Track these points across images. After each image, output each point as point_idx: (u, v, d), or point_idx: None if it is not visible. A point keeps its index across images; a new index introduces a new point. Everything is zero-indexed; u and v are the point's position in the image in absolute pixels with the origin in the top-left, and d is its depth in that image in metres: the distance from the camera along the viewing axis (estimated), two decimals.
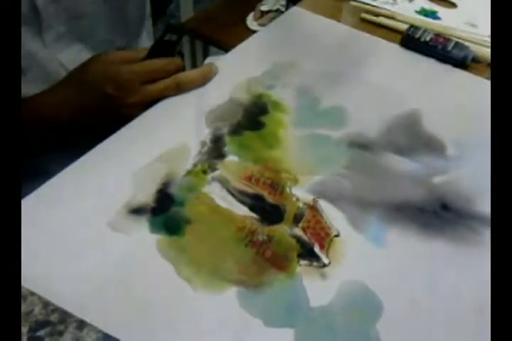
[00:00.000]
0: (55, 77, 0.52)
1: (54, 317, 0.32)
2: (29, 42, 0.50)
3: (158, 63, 0.49)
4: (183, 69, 0.51)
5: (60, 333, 0.31)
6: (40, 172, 0.51)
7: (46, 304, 0.33)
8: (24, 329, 0.31)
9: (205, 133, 0.47)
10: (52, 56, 0.53)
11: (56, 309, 0.32)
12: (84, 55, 0.52)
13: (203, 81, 0.52)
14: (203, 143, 0.46)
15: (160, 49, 0.51)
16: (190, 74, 0.51)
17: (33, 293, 0.33)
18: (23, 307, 0.32)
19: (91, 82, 0.48)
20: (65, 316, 0.32)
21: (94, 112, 0.49)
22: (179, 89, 0.50)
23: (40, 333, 0.31)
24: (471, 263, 0.39)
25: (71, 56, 0.54)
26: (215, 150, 0.45)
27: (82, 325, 0.32)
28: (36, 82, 0.52)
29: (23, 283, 0.34)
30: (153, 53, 0.50)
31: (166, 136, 0.46)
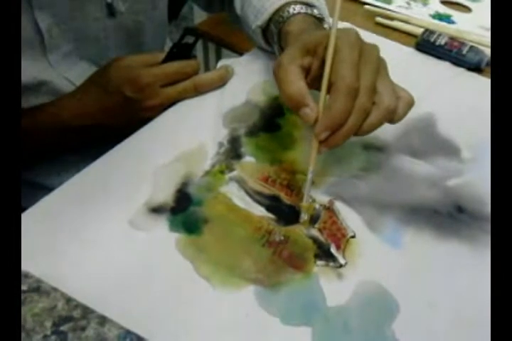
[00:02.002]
0: (65, 92, 0.53)
1: (76, 313, 0.33)
2: (34, 63, 0.51)
3: (177, 66, 0.50)
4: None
5: (83, 328, 0.32)
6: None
7: (69, 300, 0.33)
8: (48, 324, 0.32)
9: (223, 134, 0.48)
10: (58, 74, 0.54)
11: (78, 305, 0.33)
12: (93, 72, 0.52)
13: (221, 82, 0.53)
14: (221, 144, 0.47)
15: (178, 52, 0.51)
16: (207, 75, 0.52)
17: (55, 289, 0.34)
18: (47, 303, 0.33)
19: (111, 86, 0.49)
20: (87, 312, 0.33)
21: (114, 115, 0.50)
22: (197, 90, 0.51)
23: (64, 328, 0.32)
24: (485, 264, 0.39)
25: (79, 73, 0.55)
26: (232, 151, 0.46)
27: (103, 320, 0.33)
28: (48, 95, 0.53)
29: (46, 280, 0.34)
30: (171, 56, 0.51)
31: (184, 137, 0.47)
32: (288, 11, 0.50)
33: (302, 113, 0.39)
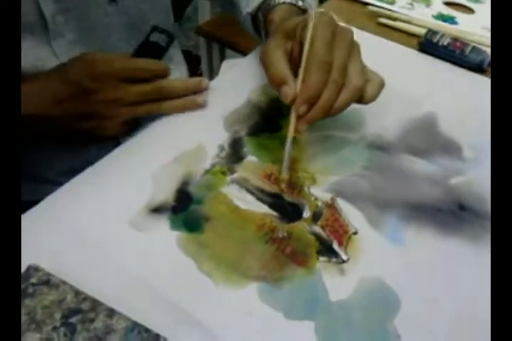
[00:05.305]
0: None
1: (85, 305, 0.34)
2: (38, 50, 0.50)
3: (140, 62, 0.48)
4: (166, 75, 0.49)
5: (92, 320, 0.33)
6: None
7: (77, 292, 0.34)
8: (57, 316, 0.33)
9: (224, 137, 0.48)
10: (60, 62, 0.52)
11: (87, 297, 0.34)
12: None
13: (184, 92, 0.50)
14: (221, 147, 0.47)
15: (146, 51, 0.49)
16: (173, 82, 0.50)
17: (64, 282, 0.35)
18: (56, 295, 0.34)
19: (69, 75, 0.46)
20: (95, 304, 0.34)
21: (67, 107, 0.46)
22: (160, 94, 0.48)
23: (73, 320, 0.33)
24: (486, 262, 0.40)
25: None
26: (234, 155, 0.46)
27: (111, 313, 0.33)
28: None
29: (55, 273, 0.35)
30: (138, 54, 0.49)
31: (184, 138, 0.47)
32: (274, 0, 0.53)
33: (282, 90, 0.42)
